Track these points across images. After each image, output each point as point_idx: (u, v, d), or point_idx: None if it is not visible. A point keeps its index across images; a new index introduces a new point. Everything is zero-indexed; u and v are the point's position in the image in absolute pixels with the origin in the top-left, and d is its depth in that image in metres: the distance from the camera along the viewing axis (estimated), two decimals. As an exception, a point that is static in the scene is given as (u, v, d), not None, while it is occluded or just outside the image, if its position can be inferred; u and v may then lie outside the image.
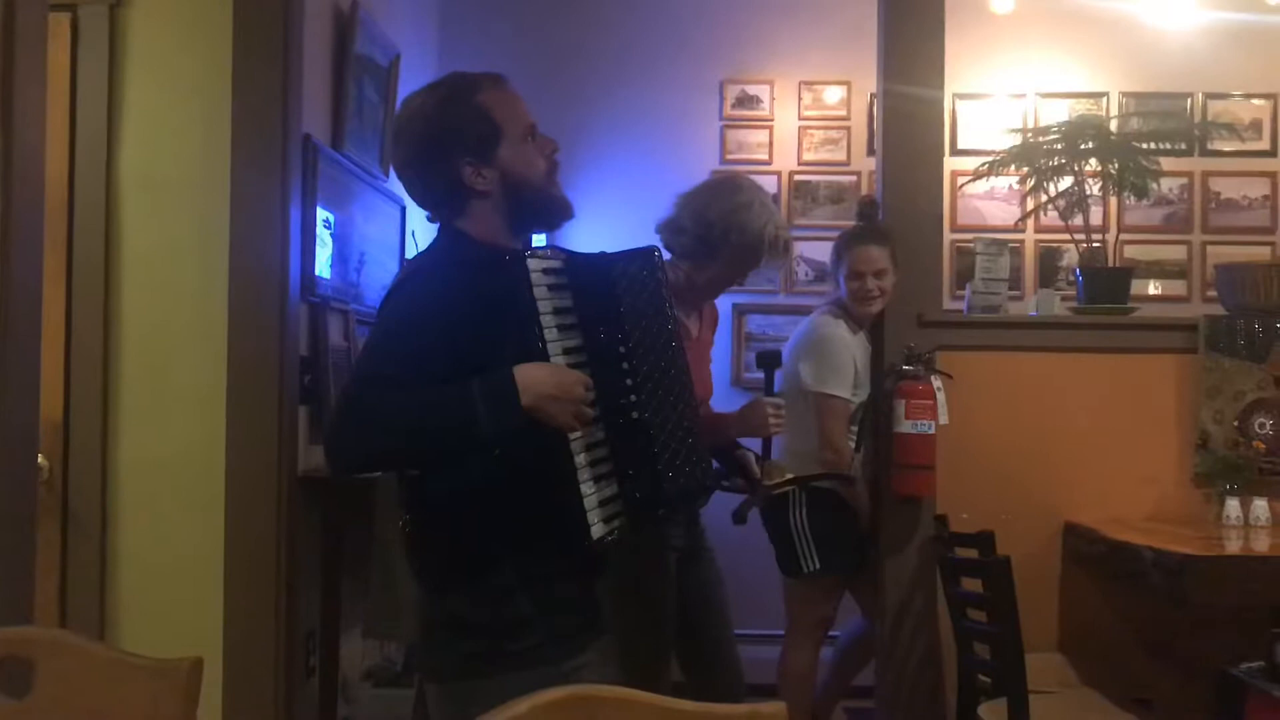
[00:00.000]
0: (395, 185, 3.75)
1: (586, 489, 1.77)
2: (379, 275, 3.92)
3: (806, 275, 5.03)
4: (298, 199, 3.18)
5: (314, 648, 3.28)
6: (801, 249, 4.86)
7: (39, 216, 2.35)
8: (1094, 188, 3.45)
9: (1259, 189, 4.98)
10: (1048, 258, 4.95)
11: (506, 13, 5.05)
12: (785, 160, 5.07)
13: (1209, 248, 4.94)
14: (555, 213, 1.97)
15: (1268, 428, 3.13)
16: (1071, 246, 4.23)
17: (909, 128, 3.22)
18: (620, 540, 1.81)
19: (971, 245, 3.52)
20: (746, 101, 5.09)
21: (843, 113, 5.07)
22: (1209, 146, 4.84)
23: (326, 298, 3.42)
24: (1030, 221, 4.58)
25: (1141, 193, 3.43)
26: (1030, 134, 4.27)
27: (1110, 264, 3.63)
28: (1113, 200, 4.47)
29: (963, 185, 4.41)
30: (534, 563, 1.83)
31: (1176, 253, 4.98)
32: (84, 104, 3.12)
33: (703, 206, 2.72)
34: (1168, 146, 3.59)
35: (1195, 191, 4.98)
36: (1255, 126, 4.96)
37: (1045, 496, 3.16)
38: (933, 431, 3.02)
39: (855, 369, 3.41)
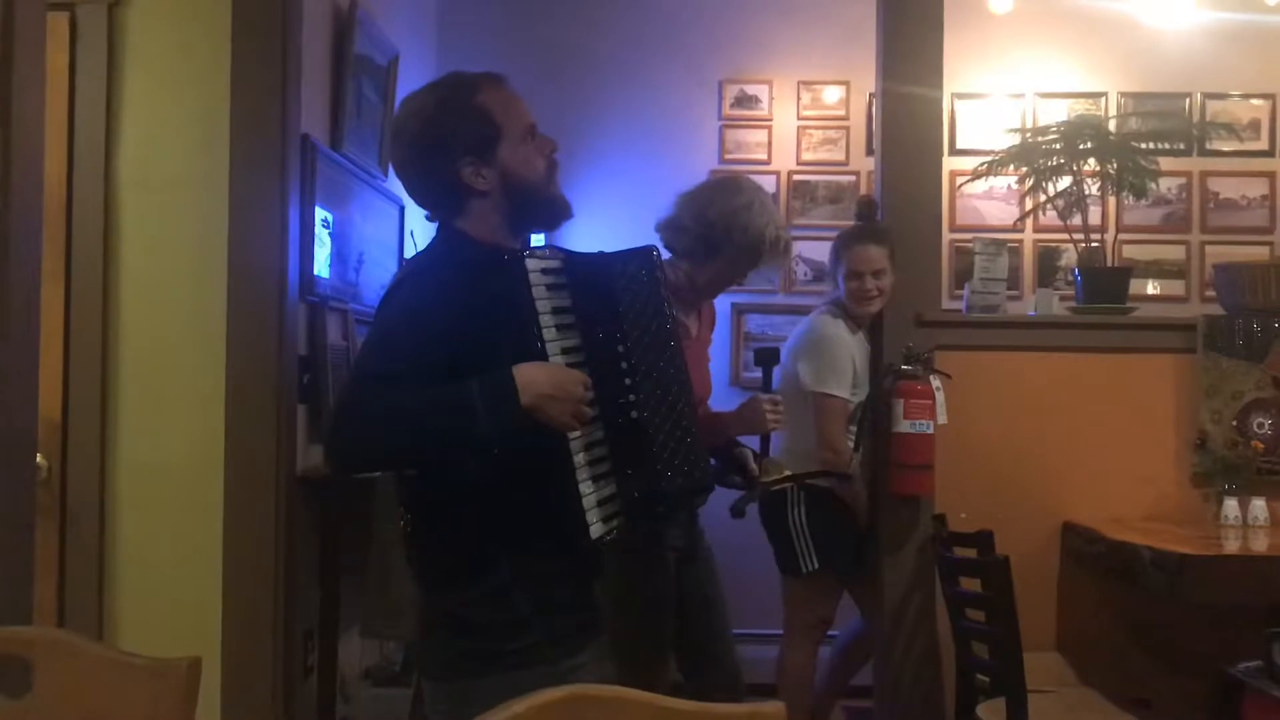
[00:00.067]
0: (394, 185, 3.75)
1: (585, 488, 1.77)
2: (378, 275, 3.92)
3: (805, 275, 5.03)
4: (296, 199, 3.18)
5: (312, 647, 3.28)
6: (800, 249, 4.86)
7: (38, 216, 2.35)
8: (1092, 187, 3.46)
9: (1257, 189, 4.98)
10: (1046, 257, 4.95)
11: (506, 13, 5.05)
12: (784, 160, 5.07)
13: (1207, 247, 4.94)
14: (554, 213, 1.98)
15: (1266, 427, 3.14)
16: (1070, 246, 4.23)
17: (908, 127, 3.23)
18: (619, 539, 1.81)
19: (970, 245, 3.53)
20: (745, 101, 5.09)
21: (841, 112, 5.07)
22: (1207, 146, 4.84)
23: (325, 297, 3.42)
24: (1029, 221, 4.58)
25: (1140, 192, 3.43)
26: (1029, 134, 4.27)
27: (1109, 264, 3.63)
28: (1111, 200, 4.47)
29: (961, 185, 4.42)
30: (533, 562, 1.83)
31: (1175, 252, 4.98)
32: (82, 104, 3.11)
33: (704, 206, 2.73)
34: (1166, 146, 3.60)
35: (1194, 191, 4.99)
36: (1254, 126, 4.96)
37: (1044, 496, 3.16)
38: (931, 431, 3.02)
39: (854, 369, 3.41)
